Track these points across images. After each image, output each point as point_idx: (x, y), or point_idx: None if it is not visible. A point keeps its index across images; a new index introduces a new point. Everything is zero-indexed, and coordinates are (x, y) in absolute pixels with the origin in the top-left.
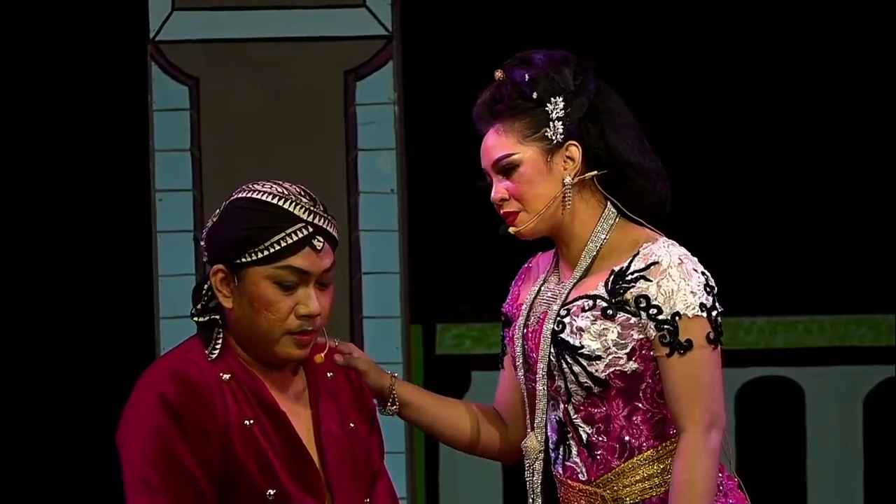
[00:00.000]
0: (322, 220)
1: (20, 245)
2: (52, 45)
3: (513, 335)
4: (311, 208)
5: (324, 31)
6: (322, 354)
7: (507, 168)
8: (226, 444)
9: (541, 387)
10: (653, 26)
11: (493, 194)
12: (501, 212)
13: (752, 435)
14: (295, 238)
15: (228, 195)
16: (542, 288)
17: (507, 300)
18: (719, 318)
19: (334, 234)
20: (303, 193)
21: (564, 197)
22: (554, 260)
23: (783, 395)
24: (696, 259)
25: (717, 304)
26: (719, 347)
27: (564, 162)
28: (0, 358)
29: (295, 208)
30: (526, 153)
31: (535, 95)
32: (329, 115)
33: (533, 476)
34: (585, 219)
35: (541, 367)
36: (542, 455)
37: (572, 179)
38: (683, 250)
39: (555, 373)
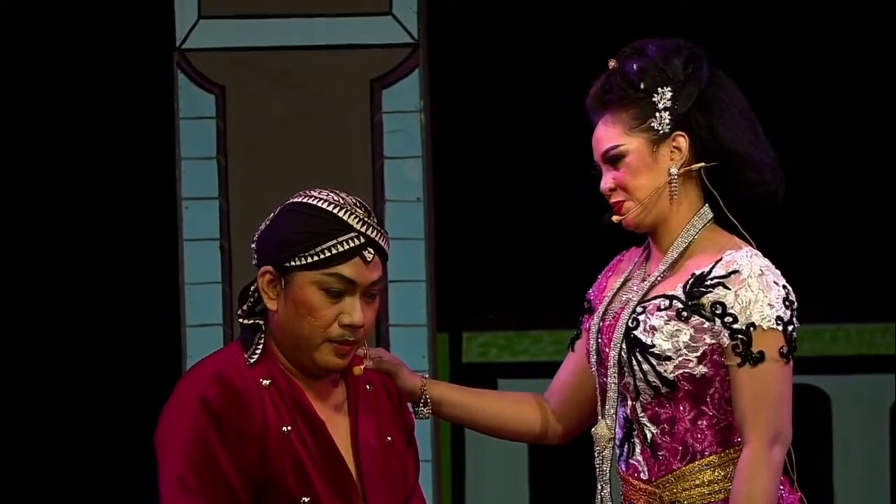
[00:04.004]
0: (375, 232)
1: (47, 252)
2: (79, 54)
3: (590, 326)
4: (366, 219)
5: (350, 40)
6: (361, 367)
7: (613, 158)
8: (262, 449)
9: (612, 380)
10: (670, 33)
11: (601, 184)
12: (611, 201)
13: None
14: (346, 247)
15: (282, 200)
16: (626, 284)
17: (593, 287)
18: (794, 334)
19: (386, 248)
20: (358, 204)
21: (671, 187)
22: (642, 256)
23: (809, 404)
24: (778, 272)
25: (794, 319)
26: (791, 362)
27: (671, 152)
28: (28, 364)
29: (349, 217)
30: (632, 144)
31: (642, 86)
32: (355, 123)
33: (603, 464)
34: (683, 213)
35: (612, 359)
36: (611, 443)
37: (678, 170)
38: (766, 262)
39: (625, 369)
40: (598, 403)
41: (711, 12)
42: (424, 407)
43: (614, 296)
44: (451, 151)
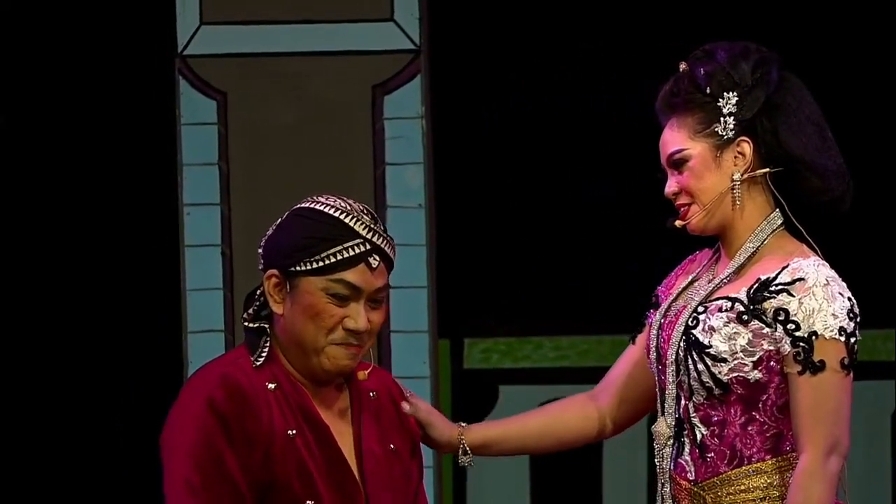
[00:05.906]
0: (381, 239)
1: (50, 258)
2: (81, 60)
3: (651, 323)
4: (372, 226)
5: (352, 46)
6: (366, 372)
7: (677, 162)
8: (268, 452)
9: (670, 377)
10: (677, 39)
11: (665, 188)
12: (676, 204)
13: None
14: (351, 253)
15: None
16: (692, 284)
17: (663, 283)
18: (856, 346)
19: (391, 255)
20: (365, 211)
21: (734, 192)
22: (712, 258)
23: None
24: (844, 284)
25: (857, 331)
26: (851, 374)
27: (735, 158)
28: (30, 371)
29: (355, 224)
30: (695, 148)
31: (708, 90)
32: (357, 130)
33: (663, 461)
34: (750, 217)
35: (670, 357)
36: (671, 441)
37: (741, 175)
38: (833, 273)
39: (681, 367)
40: (658, 400)
41: (713, 13)
42: (464, 455)
43: (679, 295)
44: (453, 158)
